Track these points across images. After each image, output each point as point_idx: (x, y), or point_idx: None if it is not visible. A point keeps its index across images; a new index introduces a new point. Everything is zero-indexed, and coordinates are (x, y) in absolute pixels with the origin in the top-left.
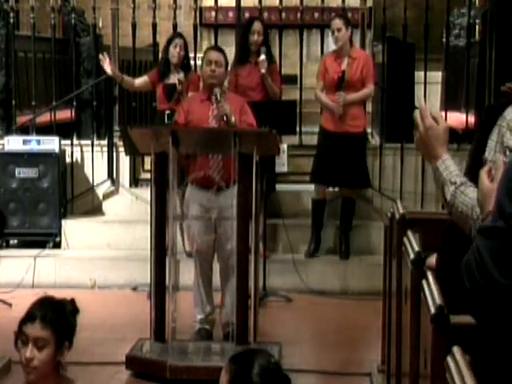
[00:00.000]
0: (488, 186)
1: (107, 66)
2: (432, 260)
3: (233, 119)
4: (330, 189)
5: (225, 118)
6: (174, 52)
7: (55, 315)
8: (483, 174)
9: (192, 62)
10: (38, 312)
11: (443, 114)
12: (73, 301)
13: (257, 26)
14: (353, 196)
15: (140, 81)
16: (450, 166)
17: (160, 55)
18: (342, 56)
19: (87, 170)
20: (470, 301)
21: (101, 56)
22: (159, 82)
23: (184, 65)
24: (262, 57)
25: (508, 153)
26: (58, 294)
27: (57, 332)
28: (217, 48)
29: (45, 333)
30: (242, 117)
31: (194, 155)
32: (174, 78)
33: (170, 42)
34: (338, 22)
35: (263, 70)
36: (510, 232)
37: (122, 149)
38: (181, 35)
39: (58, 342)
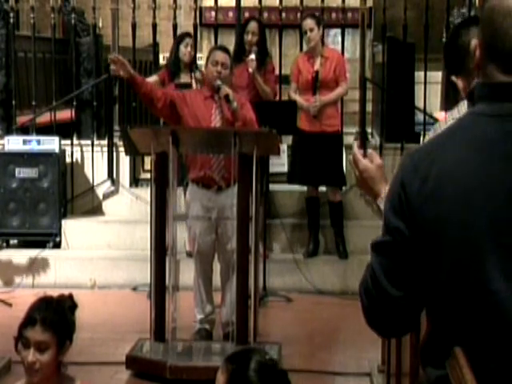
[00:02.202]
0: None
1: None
2: None
3: (235, 104)
4: (325, 188)
5: (227, 100)
6: (186, 51)
7: (55, 317)
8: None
9: None
10: (38, 315)
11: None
12: (71, 296)
13: (252, 25)
14: (338, 199)
15: (149, 80)
16: None
17: (168, 55)
18: (315, 56)
19: (87, 170)
20: (369, 316)
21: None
22: (170, 82)
23: (194, 64)
24: (251, 57)
25: None
26: (58, 294)
27: (58, 333)
28: (223, 48)
29: (46, 336)
30: (242, 111)
31: (194, 155)
32: (185, 78)
33: (180, 41)
34: (310, 22)
35: (251, 70)
36: (396, 245)
37: (122, 149)
38: (190, 34)
39: (59, 343)
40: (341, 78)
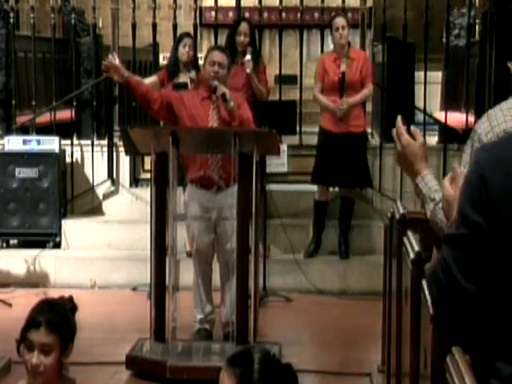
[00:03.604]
0: (451, 194)
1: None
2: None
3: (231, 103)
4: (331, 189)
5: (223, 100)
6: (184, 51)
7: (59, 319)
8: (446, 183)
9: None
10: (42, 317)
11: (443, 113)
12: (71, 298)
13: (243, 27)
14: (352, 196)
15: (149, 81)
16: (429, 182)
17: (168, 55)
18: (341, 57)
19: (87, 170)
20: (440, 310)
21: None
22: (168, 82)
23: (193, 64)
24: (248, 57)
25: None
26: (58, 294)
27: (61, 335)
28: (220, 49)
29: (50, 338)
30: (239, 111)
31: (194, 155)
32: (184, 77)
33: (179, 41)
34: (342, 20)
35: (248, 70)
36: (474, 239)
37: (122, 149)
38: (189, 35)
39: (62, 345)
40: (367, 80)
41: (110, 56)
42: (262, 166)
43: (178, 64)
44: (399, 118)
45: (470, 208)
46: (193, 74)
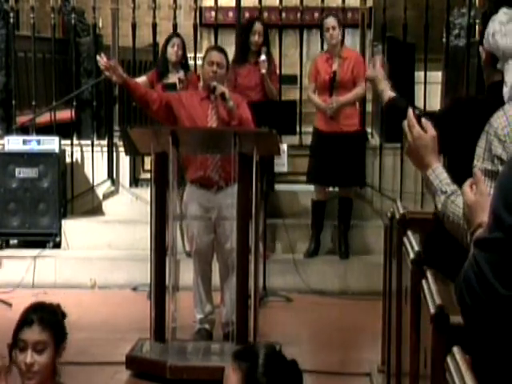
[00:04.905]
0: (472, 199)
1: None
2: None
3: (231, 103)
4: (330, 189)
5: (222, 98)
6: (172, 51)
7: (51, 316)
8: (467, 188)
9: (192, 62)
10: (34, 315)
11: None
12: (59, 306)
13: (258, 26)
14: (350, 196)
15: (139, 81)
16: (440, 175)
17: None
18: (333, 56)
19: (87, 170)
20: (471, 316)
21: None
22: (158, 82)
23: (182, 64)
24: (263, 57)
25: (496, 161)
26: (58, 294)
27: (54, 332)
28: (219, 48)
29: (44, 335)
30: (238, 111)
31: (194, 155)
32: (173, 78)
33: (167, 41)
34: (332, 21)
35: (263, 70)
36: (509, 242)
37: (122, 149)
38: (178, 35)
39: (56, 343)
40: (359, 79)
41: (98, 57)
42: (269, 166)
43: (167, 64)
44: (410, 110)
45: (505, 211)
46: (181, 74)
